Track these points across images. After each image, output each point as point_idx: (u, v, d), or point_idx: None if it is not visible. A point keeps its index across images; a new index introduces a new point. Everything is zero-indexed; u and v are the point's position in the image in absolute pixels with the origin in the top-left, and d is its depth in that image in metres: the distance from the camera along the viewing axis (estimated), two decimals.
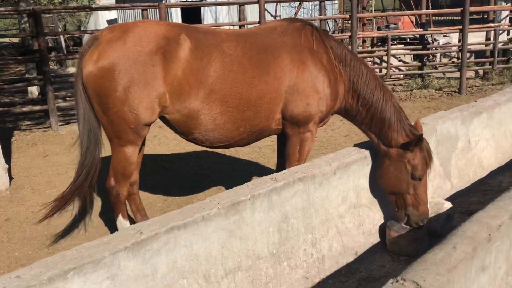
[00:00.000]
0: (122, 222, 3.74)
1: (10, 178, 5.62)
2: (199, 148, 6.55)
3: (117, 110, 3.35)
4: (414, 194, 3.69)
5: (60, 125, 7.95)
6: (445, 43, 14.41)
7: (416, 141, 3.53)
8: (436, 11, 11.72)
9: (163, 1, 16.44)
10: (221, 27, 8.08)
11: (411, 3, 13.86)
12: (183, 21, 19.52)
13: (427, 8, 12.91)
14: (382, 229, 4.00)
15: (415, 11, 12.37)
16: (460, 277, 2.65)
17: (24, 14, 7.64)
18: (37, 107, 7.76)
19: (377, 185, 3.96)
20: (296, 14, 14.08)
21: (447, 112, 5.07)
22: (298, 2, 13.45)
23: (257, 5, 8.73)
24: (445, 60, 13.12)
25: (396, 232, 3.83)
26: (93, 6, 7.89)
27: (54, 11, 9.00)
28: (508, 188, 3.69)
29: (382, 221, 4.05)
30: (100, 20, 23.57)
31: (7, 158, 6.38)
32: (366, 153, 3.94)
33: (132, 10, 21.29)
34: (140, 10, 8.14)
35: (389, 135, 3.66)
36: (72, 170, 5.89)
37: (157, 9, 8.17)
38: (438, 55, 13.64)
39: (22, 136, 7.62)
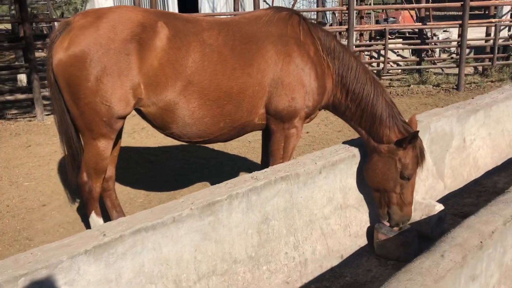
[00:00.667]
0: (95, 219, 3.54)
1: None
2: (217, 147, 6.37)
3: (89, 102, 3.14)
4: (400, 193, 3.50)
5: (46, 114, 7.73)
6: (445, 38, 14.18)
7: (411, 138, 3.33)
8: (435, 5, 11.49)
9: None
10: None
11: None
12: (180, 10, 19.27)
13: (427, 2, 12.65)
14: (370, 232, 3.82)
15: (414, 5, 12.14)
16: (448, 286, 2.48)
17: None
18: (23, 96, 7.54)
19: (366, 185, 3.77)
20: (293, 5, 13.81)
21: (442, 109, 4.87)
22: None
23: None
24: (444, 56, 12.91)
25: (384, 235, 3.65)
26: None
27: None
28: (503, 190, 3.52)
29: (370, 223, 3.87)
30: (96, 5, 23.20)
31: None
32: (355, 151, 3.74)
33: None
34: None
35: (381, 132, 3.46)
36: (53, 162, 5.72)
37: None
38: (437, 50, 13.43)
39: (6, 125, 7.41)
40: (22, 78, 10.34)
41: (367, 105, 3.46)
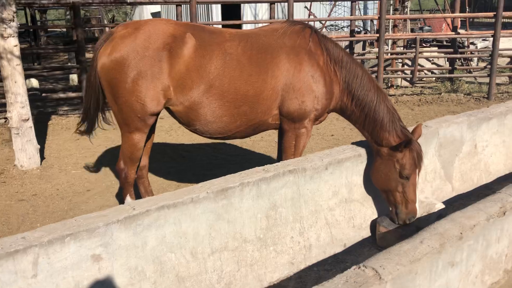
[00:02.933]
0: (129, 201, 4.09)
1: (42, 158, 6.13)
2: (219, 140, 6.90)
3: (126, 100, 3.70)
4: (403, 192, 3.85)
5: None
6: (484, 47, 14.14)
7: (405, 143, 3.69)
8: (468, 14, 11.55)
9: None
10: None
11: (446, 5, 13.62)
12: (223, 17, 19.96)
13: (464, 11, 12.71)
14: (373, 225, 4.19)
15: (444, 14, 12.23)
16: (424, 269, 2.83)
17: (65, 6, 8.14)
18: (74, 94, 8.31)
19: (371, 183, 4.15)
20: (330, 13, 14.15)
21: (454, 116, 5.16)
22: (332, 2, 13.54)
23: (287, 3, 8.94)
24: (482, 65, 12.90)
25: (385, 228, 4.02)
26: (128, 0, 8.29)
27: (93, 4, 9.47)
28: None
29: (374, 216, 4.24)
30: (145, 12, 24.37)
31: (42, 140, 6.94)
32: (361, 151, 4.13)
33: (175, 4, 22.03)
34: (174, 5, 8.53)
35: (381, 135, 3.84)
36: (98, 154, 6.37)
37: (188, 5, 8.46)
38: (475, 59, 13.43)
39: (58, 120, 8.19)
40: (74, 77, 11.22)
41: (370, 110, 3.85)
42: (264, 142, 7.01)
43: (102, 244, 2.79)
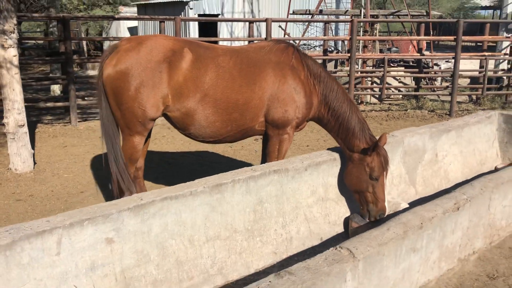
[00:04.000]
0: None
1: (34, 162, 6.42)
2: (202, 149, 7.35)
3: (129, 106, 4.12)
4: (373, 192, 4.39)
5: (79, 121, 8.78)
6: (447, 68, 15.11)
7: (373, 147, 4.24)
8: (432, 38, 12.43)
9: (180, 15, 17.39)
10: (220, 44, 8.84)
11: (413, 28, 14.59)
12: (200, 33, 20.53)
13: (428, 34, 13.63)
14: (346, 221, 4.71)
15: (410, 37, 13.11)
16: (390, 252, 3.34)
17: (55, 20, 8.48)
18: (60, 104, 8.62)
19: (344, 184, 4.67)
20: (304, 32, 14.87)
21: (417, 128, 5.78)
22: (306, 23, 14.26)
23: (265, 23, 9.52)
24: (445, 84, 13.80)
25: (357, 223, 4.53)
26: (116, 16, 8.70)
27: (81, 18, 9.85)
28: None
29: (346, 214, 4.75)
30: (121, 26, 24.65)
31: (31, 146, 7.21)
32: (336, 155, 4.66)
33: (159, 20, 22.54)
34: (158, 21, 8.92)
35: (353, 142, 4.38)
36: (87, 160, 6.72)
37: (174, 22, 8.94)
38: (438, 79, 14.34)
39: (45, 128, 8.47)
40: (55, 88, 11.49)
41: (343, 120, 4.39)
42: (244, 151, 7.49)
43: (115, 229, 3.19)
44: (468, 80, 14.25)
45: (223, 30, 20.84)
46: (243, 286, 2.78)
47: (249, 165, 6.85)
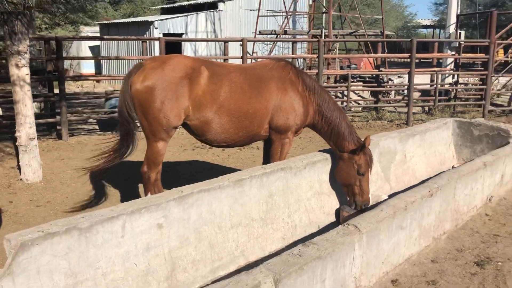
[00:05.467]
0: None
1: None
2: (191, 158, 7.99)
3: (155, 116, 4.76)
4: (359, 185, 5.22)
5: (70, 136, 9.19)
6: (399, 83, 16.47)
7: (361, 147, 5.08)
8: (389, 55, 13.69)
9: (145, 35, 17.95)
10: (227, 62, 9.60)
11: (370, 47, 15.93)
12: (166, 51, 21.10)
13: (383, 52, 14.90)
14: (337, 212, 5.50)
15: (372, 55, 14.34)
16: (385, 228, 4.15)
17: (50, 40, 8.92)
18: (52, 120, 9.02)
19: (335, 180, 5.48)
20: (270, 52, 15.83)
21: (389, 132, 6.72)
22: (272, 42, 15.21)
23: (239, 42, 10.33)
24: (399, 97, 15.09)
25: (347, 212, 5.33)
26: (105, 37, 9.24)
27: (72, 39, 10.32)
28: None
29: (337, 206, 5.55)
30: (83, 45, 24.82)
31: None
32: (328, 156, 5.48)
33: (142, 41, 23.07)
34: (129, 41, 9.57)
35: (343, 144, 5.21)
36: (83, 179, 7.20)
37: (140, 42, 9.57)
38: (392, 92, 15.64)
39: (38, 143, 8.81)
40: (36, 105, 11.75)
41: (335, 126, 5.22)
42: (231, 159, 8.20)
43: (164, 216, 3.83)
44: (419, 93, 15.62)
45: (187, 48, 21.52)
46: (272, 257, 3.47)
47: (238, 170, 7.59)
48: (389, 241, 4.24)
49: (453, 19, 16.83)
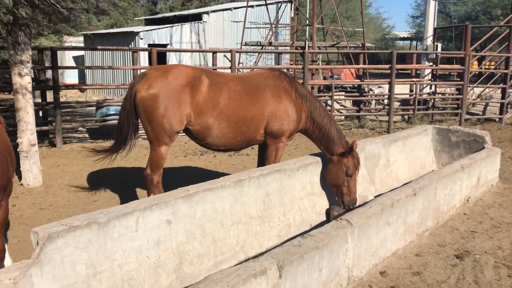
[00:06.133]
0: None
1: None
2: (184, 164, 8.28)
3: (159, 122, 5.08)
4: (347, 186, 5.60)
5: (64, 143, 9.40)
6: (379, 93, 17.08)
7: (349, 150, 5.48)
8: (370, 66, 14.24)
9: (130, 45, 18.20)
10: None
11: (351, 58, 16.52)
12: (150, 61, 21.41)
13: (364, 63, 15.49)
14: (327, 211, 5.87)
15: (354, 66, 14.90)
16: (373, 224, 4.52)
17: (45, 50, 9.15)
18: (46, 127, 9.21)
19: (325, 182, 5.86)
20: (256, 62, 16.26)
21: (373, 138, 7.14)
22: (258, 53, 15.66)
23: (228, 53, 10.71)
24: (379, 107, 15.67)
25: (337, 212, 5.69)
26: (99, 47, 9.50)
27: (67, 49, 10.55)
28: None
29: (327, 206, 5.92)
30: (66, 55, 24.89)
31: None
32: (318, 159, 5.86)
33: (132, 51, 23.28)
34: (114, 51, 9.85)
35: (332, 148, 5.60)
36: (85, 176, 7.45)
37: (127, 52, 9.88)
38: (373, 102, 16.22)
39: None
40: None
41: (325, 131, 5.61)
42: (223, 165, 8.52)
43: (172, 213, 4.14)
44: (398, 103, 16.22)
45: (172, 58, 21.81)
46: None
47: (229, 174, 7.92)
48: (377, 235, 4.61)
49: (430, 31, 17.55)
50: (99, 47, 9.81)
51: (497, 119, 13.97)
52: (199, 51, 13.66)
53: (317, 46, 15.04)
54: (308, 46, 14.55)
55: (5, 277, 3.10)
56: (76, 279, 3.44)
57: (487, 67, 25.17)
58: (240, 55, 16.90)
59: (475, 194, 6.83)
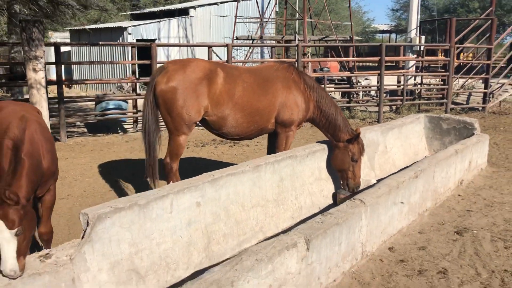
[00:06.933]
0: None
1: None
2: (187, 156, 8.57)
3: (178, 113, 5.37)
4: (353, 171, 5.99)
5: (68, 137, 9.58)
6: (366, 85, 17.56)
7: (356, 137, 5.86)
8: (360, 59, 14.68)
9: (118, 40, 18.24)
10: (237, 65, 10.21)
11: (340, 51, 16.95)
12: (138, 56, 21.49)
13: (353, 56, 15.89)
14: (333, 195, 6.25)
15: (344, 58, 15.32)
16: (382, 203, 4.91)
17: (48, 46, 9.29)
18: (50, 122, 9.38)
19: (331, 168, 6.23)
20: (247, 56, 16.56)
21: (372, 126, 7.55)
22: (248, 47, 15.97)
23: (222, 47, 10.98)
24: (366, 98, 16.15)
25: (343, 195, 6.09)
26: (101, 42, 9.69)
27: (69, 44, 10.71)
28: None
29: (333, 190, 6.31)
30: (52, 51, 24.71)
31: None
32: (325, 146, 6.23)
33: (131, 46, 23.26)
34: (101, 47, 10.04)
35: (339, 135, 5.97)
36: (94, 168, 7.69)
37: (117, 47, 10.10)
38: (360, 93, 16.69)
39: None
40: None
41: (332, 119, 5.97)
42: (226, 155, 8.84)
43: (201, 196, 4.46)
44: (385, 94, 16.72)
45: (160, 53, 21.94)
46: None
47: (233, 164, 8.24)
48: (385, 214, 5.00)
49: (414, 24, 18.07)
50: (100, 43, 9.99)
51: (480, 108, 14.57)
52: (196, 46, 13.87)
53: (308, 40, 15.41)
54: (298, 40, 14.90)
55: (62, 254, 3.40)
56: (121, 257, 3.75)
57: (465, 59, 25.93)
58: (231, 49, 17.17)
59: (467, 177, 7.29)
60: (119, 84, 20.48)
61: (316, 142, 6.38)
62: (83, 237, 3.56)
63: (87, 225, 3.57)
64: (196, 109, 5.41)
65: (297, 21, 15.48)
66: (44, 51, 6.58)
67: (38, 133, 3.80)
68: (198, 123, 5.72)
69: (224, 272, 3.05)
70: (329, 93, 15.23)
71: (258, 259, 3.28)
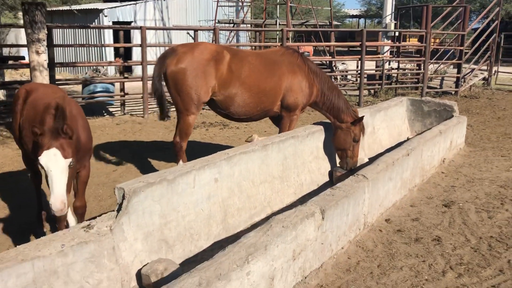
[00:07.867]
0: (181, 164, 5.91)
1: None
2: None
3: (188, 93, 5.62)
4: (352, 150, 6.39)
5: None
6: (343, 69, 18.04)
7: (359, 119, 6.25)
8: (341, 44, 15.12)
9: (94, 23, 18.16)
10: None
11: (320, 36, 17.36)
12: (114, 39, 21.28)
13: (334, 41, 16.35)
14: (330, 173, 6.66)
15: (326, 43, 15.70)
16: (381, 178, 5.31)
17: None
18: None
19: (327, 147, 6.62)
20: (229, 40, 16.72)
21: (362, 108, 7.97)
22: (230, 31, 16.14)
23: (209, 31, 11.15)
24: (343, 82, 16.63)
25: (340, 173, 6.50)
26: (91, 25, 9.70)
27: (64, 27, 10.64)
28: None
29: (329, 168, 6.71)
30: (22, 33, 24.12)
31: None
32: (322, 127, 6.61)
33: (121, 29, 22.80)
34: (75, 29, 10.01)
35: (342, 116, 6.33)
36: (96, 151, 7.84)
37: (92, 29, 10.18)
38: (338, 77, 17.16)
39: None
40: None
41: (334, 102, 6.33)
42: (218, 137, 9.13)
43: (218, 172, 4.76)
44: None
45: (136, 36, 21.78)
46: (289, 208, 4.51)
47: (229, 147, 8.55)
48: (383, 189, 5.43)
49: (389, 10, 18.61)
50: (91, 26, 9.98)
51: (453, 92, 15.27)
52: (183, 29, 13.90)
53: (285, 24, 15.69)
54: (280, 24, 15.18)
55: (103, 225, 3.66)
56: (153, 228, 4.03)
57: (432, 44, 26.71)
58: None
59: (449, 156, 7.83)
60: (94, 67, 20.30)
61: (313, 123, 6.74)
62: (118, 210, 3.81)
63: (123, 199, 3.82)
64: (205, 89, 5.67)
65: (277, 6, 15.78)
66: (46, 34, 6.65)
67: (75, 110, 4.00)
68: (205, 104, 5.99)
69: (259, 237, 3.39)
70: None
71: (284, 226, 3.63)
